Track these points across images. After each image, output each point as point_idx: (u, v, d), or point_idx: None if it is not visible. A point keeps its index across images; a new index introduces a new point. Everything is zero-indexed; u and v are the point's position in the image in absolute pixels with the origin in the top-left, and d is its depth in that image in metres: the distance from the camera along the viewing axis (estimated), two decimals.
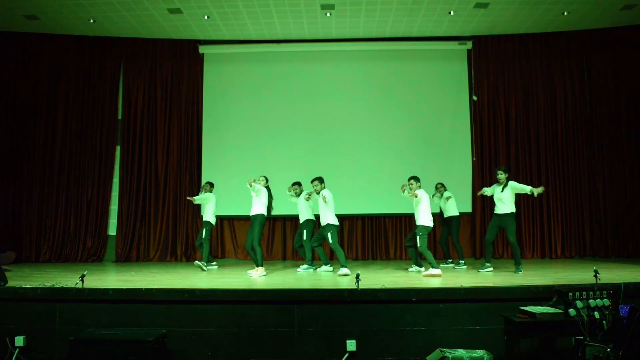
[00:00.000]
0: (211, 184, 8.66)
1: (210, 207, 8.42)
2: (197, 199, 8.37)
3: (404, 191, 7.37)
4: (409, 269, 7.61)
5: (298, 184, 8.30)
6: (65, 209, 9.61)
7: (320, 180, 7.77)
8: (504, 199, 7.13)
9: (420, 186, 7.20)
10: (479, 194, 7.62)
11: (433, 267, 6.89)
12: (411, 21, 9.13)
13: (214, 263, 8.60)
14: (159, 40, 9.93)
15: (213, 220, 8.47)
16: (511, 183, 7.18)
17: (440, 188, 8.39)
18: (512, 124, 9.77)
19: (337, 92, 9.86)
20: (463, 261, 8.12)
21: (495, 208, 7.27)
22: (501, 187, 7.19)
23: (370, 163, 9.66)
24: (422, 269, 7.36)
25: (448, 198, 8.15)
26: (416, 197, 7.06)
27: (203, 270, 7.89)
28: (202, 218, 8.65)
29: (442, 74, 9.89)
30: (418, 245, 7.05)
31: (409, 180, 7.23)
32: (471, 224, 9.71)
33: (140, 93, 9.94)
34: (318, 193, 7.67)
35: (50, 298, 5.36)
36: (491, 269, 7.24)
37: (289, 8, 8.54)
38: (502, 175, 7.21)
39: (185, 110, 9.96)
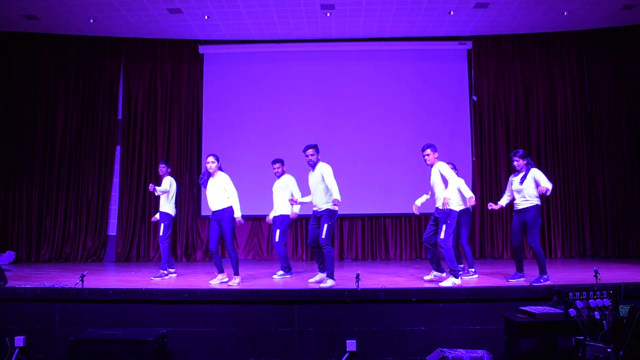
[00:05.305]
0: (167, 165, 7.19)
1: (167, 193, 6.92)
2: (160, 189, 6.86)
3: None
4: (428, 277, 6.36)
5: (280, 161, 7.11)
6: (65, 209, 9.61)
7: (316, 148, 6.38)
8: (525, 190, 5.83)
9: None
10: (494, 207, 6.21)
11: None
12: (411, 21, 9.13)
13: (173, 270, 7.13)
14: (159, 40, 9.93)
15: (172, 212, 7.02)
16: (534, 171, 5.84)
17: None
18: (512, 124, 9.77)
19: (337, 92, 9.86)
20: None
21: (516, 204, 6.00)
22: (519, 177, 5.91)
23: (370, 163, 9.65)
24: (443, 274, 6.15)
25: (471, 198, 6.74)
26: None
27: (163, 278, 6.75)
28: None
29: (442, 74, 9.88)
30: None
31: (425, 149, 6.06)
32: (471, 224, 9.67)
33: (140, 93, 9.94)
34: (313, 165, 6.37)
35: (50, 298, 5.37)
36: (523, 279, 6.06)
37: (289, 8, 8.54)
38: (520, 162, 5.90)
39: (185, 110, 9.96)
